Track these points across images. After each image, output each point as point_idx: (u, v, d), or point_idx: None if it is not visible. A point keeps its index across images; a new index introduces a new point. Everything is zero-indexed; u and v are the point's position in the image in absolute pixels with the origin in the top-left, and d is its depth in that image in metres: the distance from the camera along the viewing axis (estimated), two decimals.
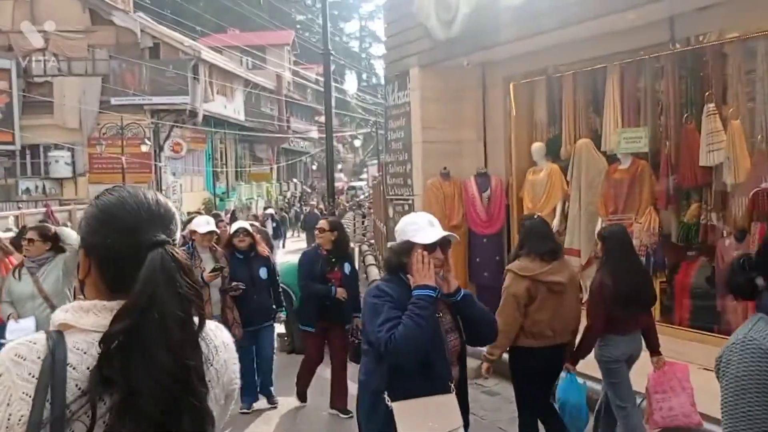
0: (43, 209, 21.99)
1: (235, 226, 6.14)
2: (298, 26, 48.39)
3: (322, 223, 6.08)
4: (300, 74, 42.78)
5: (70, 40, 26.87)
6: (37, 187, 27.02)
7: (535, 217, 4.56)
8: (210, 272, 5.55)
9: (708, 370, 5.73)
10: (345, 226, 16.02)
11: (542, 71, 7.59)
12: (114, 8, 27.88)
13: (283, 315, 6.30)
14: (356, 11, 70.15)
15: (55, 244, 4.98)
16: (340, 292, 5.80)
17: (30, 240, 4.99)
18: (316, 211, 22.52)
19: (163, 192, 26.88)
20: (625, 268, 4.26)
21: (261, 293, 5.98)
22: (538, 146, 7.82)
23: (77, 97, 26.42)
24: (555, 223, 7.64)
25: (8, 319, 4.91)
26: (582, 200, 7.27)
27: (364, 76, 61.85)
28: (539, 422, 4.35)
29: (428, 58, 8.07)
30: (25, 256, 5.07)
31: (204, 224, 5.93)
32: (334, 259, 5.86)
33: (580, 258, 7.29)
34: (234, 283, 5.68)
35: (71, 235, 5.07)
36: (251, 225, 6.75)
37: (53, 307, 4.63)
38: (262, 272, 6.01)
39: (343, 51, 60.96)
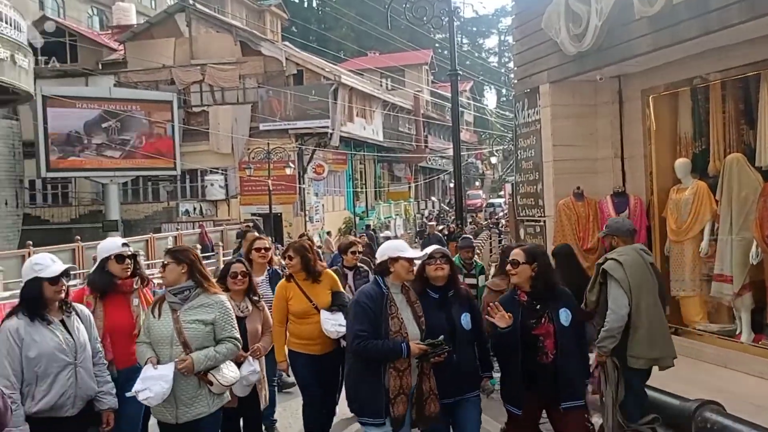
0: (198, 230, 23.65)
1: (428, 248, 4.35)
2: (437, 45, 48.82)
3: (516, 254, 4.18)
4: (438, 93, 43.08)
5: (224, 72, 28.87)
6: (195, 208, 29.15)
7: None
8: (426, 344, 3.81)
9: None
10: (481, 245, 15.65)
11: (686, 82, 7.01)
12: (262, 39, 29.63)
13: (492, 384, 4.38)
14: (495, 26, 69.79)
15: (193, 271, 4.03)
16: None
17: (163, 264, 4.12)
18: (437, 232, 19.49)
19: (306, 212, 28.04)
20: (567, 274, 5.22)
21: (464, 351, 4.09)
22: (682, 162, 7.23)
23: (230, 124, 28.29)
24: (703, 246, 7.00)
25: (146, 363, 3.94)
26: (733, 221, 6.60)
27: (504, 91, 61.11)
28: None
29: (559, 73, 7.76)
30: (163, 286, 4.19)
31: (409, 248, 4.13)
32: (538, 306, 4.08)
33: (732, 285, 6.62)
34: (438, 339, 3.83)
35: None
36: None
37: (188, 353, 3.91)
38: (465, 320, 4.13)
39: (481, 67, 60.79)
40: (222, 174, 28.66)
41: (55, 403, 3.58)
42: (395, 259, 3.95)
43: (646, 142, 7.53)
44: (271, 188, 25.60)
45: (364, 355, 3.82)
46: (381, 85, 38.82)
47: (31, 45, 22.57)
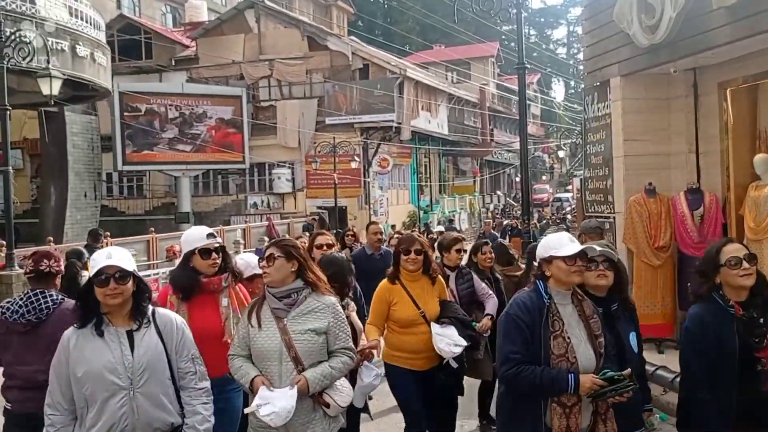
0: (266, 222, 24.15)
1: (587, 246, 3.32)
2: (503, 37, 48.22)
3: (734, 250, 3.13)
4: (504, 86, 42.57)
5: (291, 67, 29.34)
6: (263, 201, 29.80)
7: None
8: (603, 377, 2.91)
9: None
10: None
11: (766, 74, 6.72)
12: (329, 34, 29.94)
13: (662, 419, 3.65)
14: (563, 17, 68.38)
15: (303, 271, 3.33)
16: None
17: (269, 258, 3.28)
18: (493, 230, 17.79)
19: (371, 206, 28.24)
20: None
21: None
22: (762, 158, 6.91)
23: (296, 118, 28.76)
24: None
25: (251, 383, 3.19)
26: None
27: (572, 83, 59.83)
28: None
29: (630, 66, 7.54)
30: (266, 286, 3.34)
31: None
32: (762, 319, 3.09)
33: None
34: (621, 374, 2.93)
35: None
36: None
37: (300, 372, 3.18)
38: (633, 340, 3.37)
39: (549, 59, 59.67)
40: (289, 167, 29.18)
41: None
42: (548, 260, 3.06)
43: (723, 137, 7.26)
44: (336, 182, 25.90)
45: (515, 385, 3.00)
46: (446, 79, 38.66)
47: (108, 42, 23.49)
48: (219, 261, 3.79)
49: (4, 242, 11.93)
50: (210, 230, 3.88)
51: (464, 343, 4.37)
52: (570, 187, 35.57)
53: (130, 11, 34.65)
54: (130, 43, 29.61)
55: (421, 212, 31.35)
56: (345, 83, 28.19)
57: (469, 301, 5.19)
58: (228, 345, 3.53)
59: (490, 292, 5.43)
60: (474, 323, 4.92)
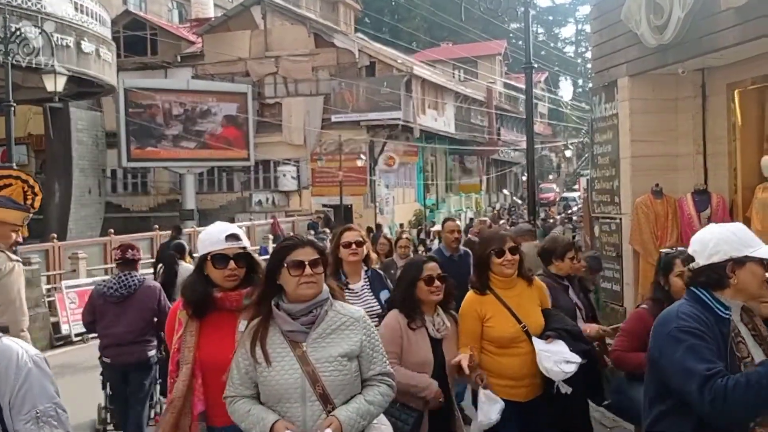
0: (270, 220, 24.12)
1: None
2: (511, 35, 48.07)
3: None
4: (512, 84, 42.43)
5: (297, 64, 29.29)
6: (267, 199, 29.78)
7: None
8: None
9: None
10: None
11: None
12: (335, 31, 29.87)
13: None
14: (572, 15, 68.10)
15: (327, 276, 2.59)
16: None
17: (317, 263, 2.48)
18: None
19: (377, 204, 28.18)
20: None
21: None
22: None
23: (302, 116, 28.70)
24: None
25: (272, 431, 2.37)
26: None
27: (580, 82, 59.61)
28: None
29: (638, 66, 7.47)
30: (278, 303, 2.54)
31: None
32: None
33: None
34: None
35: None
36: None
37: (330, 413, 2.39)
38: None
39: (557, 58, 59.47)
40: (294, 165, 29.14)
41: None
42: (740, 262, 2.27)
43: (731, 139, 7.19)
44: (342, 180, 25.84)
45: (730, 404, 2.08)
46: (453, 77, 38.55)
47: (114, 38, 23.50)
48: (239, 272, 2.82)
49: None
50: (232, 229, 2.87)
51: (578, 359, 3.52)
52: (577, 186, 35.40)
53: (135, 7, 34.61)
54: (136, 39, 29.61)
55: (427, 211, 31.28)
56: (351, 81, 28.12)
57: (587, 315, 4.35)
58: None
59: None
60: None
